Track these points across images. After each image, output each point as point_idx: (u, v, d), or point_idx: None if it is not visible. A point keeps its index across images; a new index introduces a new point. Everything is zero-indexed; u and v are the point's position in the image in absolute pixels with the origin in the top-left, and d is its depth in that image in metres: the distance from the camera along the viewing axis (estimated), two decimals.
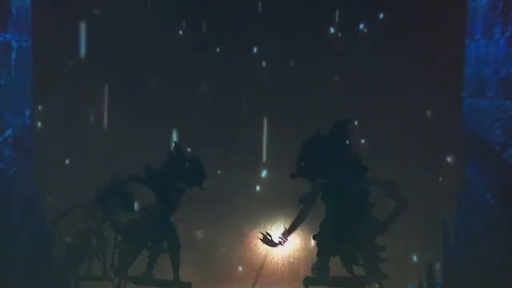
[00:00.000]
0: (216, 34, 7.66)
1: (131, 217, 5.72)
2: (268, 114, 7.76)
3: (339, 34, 7.52)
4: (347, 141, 5.39)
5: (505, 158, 5.00)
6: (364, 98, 7.58)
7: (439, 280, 6.25)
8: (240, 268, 7.71)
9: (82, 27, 7.48)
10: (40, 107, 7.12)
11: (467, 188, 6.26)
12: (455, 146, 7.24)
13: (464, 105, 6.45)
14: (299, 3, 7.57)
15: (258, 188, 7.79)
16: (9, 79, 5.78)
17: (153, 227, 5.63)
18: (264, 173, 7.76)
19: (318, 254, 5.44)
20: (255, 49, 7.66)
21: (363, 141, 6.87)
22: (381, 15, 7.50)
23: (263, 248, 7.59)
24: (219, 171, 7.63)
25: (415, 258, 7.21)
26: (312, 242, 5.48)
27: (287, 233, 5.46)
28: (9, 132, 5.77)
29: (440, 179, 7.42)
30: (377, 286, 5.46)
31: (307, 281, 5.44)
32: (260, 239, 5.51)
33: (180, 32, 7.66)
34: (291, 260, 7.39)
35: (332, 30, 7.57)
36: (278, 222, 7.59)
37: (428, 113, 7.48)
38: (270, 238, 5.49)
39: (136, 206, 5.71)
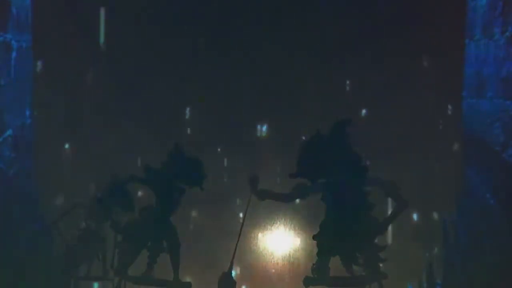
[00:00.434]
0: (217, 35, 7.65)
1: (131, 217, 5.72)
2: (268, 114, 7.76)
3: (339, 34, 7.51)
4: (347, 141, 5.38)
5: (505, 158, 5.00)
6: (364, 98, 7.57)
7: (439, 280, 6.25)
8: (238, 269, 7.70)
9: (82, 27, 7.47)
10: (40, 107, 7.11)
11: (467, 188, 6.26)
12: (455, 146, 7.25)
13: (464, 105, 6.45)
14: (299, 3, 7.58)
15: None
16: (9, 79, 5.78)
17: (153, 227, 5.63)
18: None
19: (318, 254, 5.43)
20: (255, 49, 7.65)
21: (363, 141, 6.86)
22: (381, 15, 7.50)
23: (263, 248, 7.61)
24: (218, 171, 7.62)
25: (415, 257, 7.19)
26: (312, 242, 5.47)
27: (266, 192, 5.45)
28: (9, 132, 5.77)
29: (440, 179, 7.41)
30: (377, 286, 5.46)
31: (307, 281, 5.44)
32: (249, 178, 5.50)
33: (181, 32, 7.65)
34: (291, 260, 7.39)
35: (331, 30, 7.56)
36: (278, 222, 7.59)
37: (428, 113, 7.48)
38: (256, 182, 5.47)
39: (136, 206, 5.71)
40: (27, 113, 6.46)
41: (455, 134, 7.29)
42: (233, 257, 5.51)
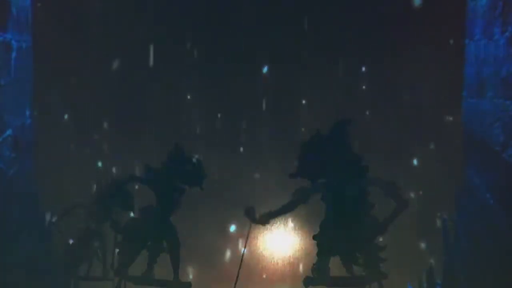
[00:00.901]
0: (217, 35, 7.65)
1: (131, 217, 5.72)
2: (268, 114, 7.76)
3: (338, 34, 7.51)
4: (347, 141, 5.39)
5: (505, 158, 5.00)
6: (364, 98, 7.57)
7: (439, 280, 6.25)
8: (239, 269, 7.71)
9: (82, 27, 7.48)
10: (40, 107, 7.11)
11: (467, 188, 6.26)
12: (455, 146, 7.24)
13: (464, 105, 6.45)
14: (299, 4, 7.58)
15: (257, 188, 7.79)
16: (9, 79, 5.78)
17: (153, 227, 5.63)
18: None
19: (318, 254, 5.44)
20: (255, 49, 7.65)
21: (363, 141, 6.86)
22: (380, 15, 7.49)
23: (263, 248, 7.61)
24: (218, 171, 7.62)
25: (415, 257, 7.20)
26: (312, 242, 5.47)
27: (267, 215, 5.45)
28: (9, 132, 5.77)
29: (440, 179, 7.41)
30: (377, 286, 5.46)
31: (307, 281, 5.44)
32: (244, 210, 5.49)
33: (182, 32, 7.65)
34: (291, 260, 7.39)
35: (331, 30, 7.56)
36: (278, 222, 7.59)
37: (428, 113, 7.48)
38: (253, 213, 5.47)
39: (136, 206, 5.71)
40: (27, 113, 6.47)
41: (455, 134, 7.29)
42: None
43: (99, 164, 7.54)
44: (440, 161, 7.49)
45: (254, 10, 7.56)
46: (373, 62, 7.48)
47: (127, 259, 5.67)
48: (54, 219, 6.31)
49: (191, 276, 7.24)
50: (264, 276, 7.52)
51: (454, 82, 6.72)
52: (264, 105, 7.76)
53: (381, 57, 7.47)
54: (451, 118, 7.23)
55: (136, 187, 5.87)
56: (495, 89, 5.35)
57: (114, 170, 7.38)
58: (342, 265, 5.46)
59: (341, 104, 7.49)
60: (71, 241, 6.20)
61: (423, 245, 7.32)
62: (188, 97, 7.77)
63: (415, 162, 7.53)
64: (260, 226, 5.48)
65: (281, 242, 7.48)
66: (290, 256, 7.38)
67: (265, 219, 5.46)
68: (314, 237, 5.45)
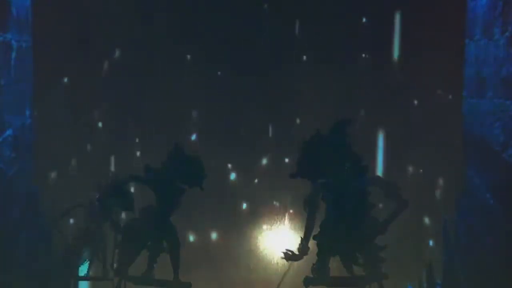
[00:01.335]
0: (217, 33, 7.65)
1: (131, 217, 5.72)
2: (268, 114, 7.76)
3: (338, 34, 7.51)
4: (347, 141, 5.39)
5: (505, 158, 5.00)
6: (363, 98, 7.57)
7: (439, 280, 6.25)
8: (239, 269, 7.71)
9: (82, 27, 7.47)
10: (40, 107, 7.11)
11: (467, 188, 6.26)
12: (455, 146, 7.24)
13: (464, 105, 6.45)
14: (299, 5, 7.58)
15: (257, 188, 7.79)
16: (9, 79, 5.78)
17: (153, 227, 5.62)
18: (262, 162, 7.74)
19: (318, 254, 5.43)
20: (255, 49, 7.65)
21: (363, 140, 6.87)
22: (380, 15, 7.49)
23: (263, 248, 7.61)
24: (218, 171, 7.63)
25: (415, 257, 7.20)
26: (312, 242, 5.47)
27: (304, 241, 5.45)
28: (9, 132, 5.77)
29: (440, 179, 7.42)
30: (377, 286, 5.46)
31: (307, 281, 5.44)
32: (282, 257, 5.50)
33: (182, 32, 7.65)
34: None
35: (331, 29, 7.56)
36: (278, 222, 7.59)
37: (428, 112, 7.48)
38: (291, 253, 5.48)
39: (136, 206, 5.71)
40: (27, 113, 6.47)
41: (455, 134, 7.29)
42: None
43: (100, 164, 7.53)
44: (440, 161, 7.49)
45: (254, 7, 7.57)
46: (373, 62, 7.48)
47: (127, 259, 5.66)
48: (54, 219, 6.30)
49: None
50: (265, 276, 7.52)
51: (454, 82, 6.72)
52: (264, 105, 7.77)
53: (381, 57, 7.47)
54: (451, 118, 7.22)
55: (136, 187, 5.86)
56: (495, 89, 5.35)
57: (114, 170, 7.38)
58: (342, 265, 5.45)
59: (341, 104, 7.49)
60: (71, 241, 6.20)
61: (423, 245, 7.31)
62: (188, 96, 7.77)
63: (415, 162, 7.53)
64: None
65: (281, 242, 7.48)
66: None
67: (305, 250, 5.45)
68: (314, 237, 5.44)
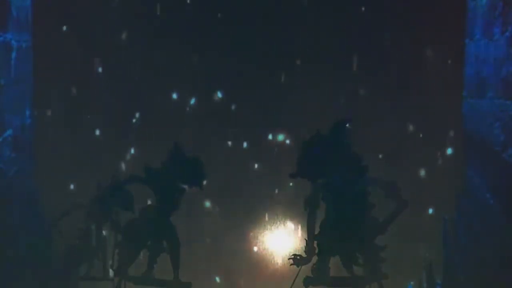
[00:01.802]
0: (216, 35, 7.65)
1: (131, 217, 5.72)
2: (268, 114, 7.76)
3: (337, 34, 7.51)
4: (347, 141, 5.39)
5: (505, 158, 5.00)
6: (363, 98, 7.57)
7: (439, 280, 6.25)
8: (239, 269, 7.71)
9: (82, 27, 7.47)
10: (40, 107, 7.11)
11: (467, 188, 6.26)
12: (455, 146, 7.24)
13: (464, 105, 6.45)
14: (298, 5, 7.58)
15: (257, 187, 7.79)
16: (9, 79, 5.78)
17: (153, 227, 5.63)
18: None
19: (318, 254, 5.44)
20: (255, 49, 7.65)
21: (363, 141, 6.87)
22: (380, 15, 7.49)
23: (263, 248, 7.62)
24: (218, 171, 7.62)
25: (415, 257, 7.20)
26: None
27: (310, 243, 5.45)
28: (9, 132, 5.77)
29: (440, 179, 7.41)
30: (377, 286, 5.46)
31: (307, 281, 5.44)
32: (292, 264, 5.49)
33: (183, 33, 7.65)
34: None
35: (330, 29, 7.56)
36: (278, 222, 7.60)
37: (428, 113, 7.48)
38: (299, 257, 5.47)
39: (136, 206, 5.71)
40: (27, 113, 6.46)
41: (455, 134, 7.30)
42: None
43: (100, 164, 7.53)
44: (440, 161, 7.49)
45: (255, 8, 7.57)
46: (373, 62, 7.48)
47: (127, 259, 5.67)
48: (54, 219, 6.30)
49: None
50: (265, 276, 7.52)
51: (454, 82, 6.72)
52: (264, 105, 7.77)
53: (381, 57, 7.46)
54: (451, 118, 7.22)
55: (136, 187, 5.86)
56: (495, 89, 5.34)
57: (114, 170, 7.38)
58: (342, 265, 5.46)
59: (340, 104, 7.49)
60: (71, 241, 6.20)
61: (423, 245, 7.31)
62: (188, 95, 7.77)
63: (414, 162, 7.53)
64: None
65: (281, 242, 7.49)
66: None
67: (311, 251, 5.45)
68: (314, 237, 5.44)
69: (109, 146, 7.64)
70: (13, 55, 5.87)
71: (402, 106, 7.46)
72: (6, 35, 5.67)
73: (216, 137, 7.73)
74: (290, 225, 7.50)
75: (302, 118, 7.50)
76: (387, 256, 5.43)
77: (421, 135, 7.53)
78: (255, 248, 7.66)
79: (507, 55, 5.05)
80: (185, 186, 5.64)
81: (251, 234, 7.67)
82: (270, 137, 7.74)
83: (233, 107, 7.75)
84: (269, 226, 7.62)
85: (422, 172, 7.53)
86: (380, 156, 7.33)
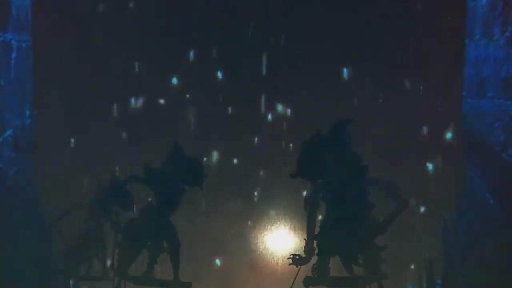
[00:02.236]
0: (216, 35, 7.65)
1: (131, 217, 5.72)
2: (268, 114, 7.76)
3: (337, 34, 7.51)
4: (347, 141, 5.39)
5: (505, 158, 5.00)
6: (363, 98, 7.57)
7: (439, 280, 6.25)
8: (239, 269, 7.71)
9: (82, 27, 7.47)
10: (40, 107, 7.10)
11: (467, 188, 6.26)
12: (455, 146, 7.24)
13: (464, 105, 6.44)
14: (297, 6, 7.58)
15: (257, 188, 7.79)
16: (9, 79, 5.78)
17: (153, 227, 5.63)
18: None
19: (318, 254, 5.43)
20: (255, 50, 7.65)
21: (363, 141, 6.88)
22: (380, 15, 7.49)
23: (263, 248, 7.61)
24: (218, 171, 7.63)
25: (415, 257, 7.20)
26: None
27: (309, 243, 5.44)
28: (9, 132, 5.77)
29: (440, 179, 7.41)
30: (377, 286, 5.46)
31: (307, 281, 5.44)
32: (290, 263, 5.49)
33: (183, 32, 7.65)
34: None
35: (330, 29, 7.56)
36: (278, 222, 7.59)
37: (428, 113, 7.48)
38: (298, 257, 5.47)
39: (136, 206, 5.71)
40: (27, 113, 6.46)
41: (455, 134, 7.29)
42: None
43: (100, 164, 7.52)
44: (439, 161, 7.49)
45: (254, 8, 7.56)
46: (373, 62, 7.47)
47: (127, 259, 5.67)
48: (54, 219, 6.30)
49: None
50: (265, 276, 7.52)
51: (454, 82, 6.71)
52: (263, 104, 7.77)
53: (381, 57, 7.46)
54: (451, 118, 7.22)
55: (136, 187, 5.86)
56: (495, 89, 5.34)
57: (114, 170, 7.38)
58: (342, 265, 5.46)
59: (340, 105, 7.49)
60: (71, 241, 6.20)
61: (423, 245, 7.31)
62: (188, 96, 7.77)
63: (414, 162, 7.53)
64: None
65: (281, 242, 7.48)
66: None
67: (311, 251, 5.44)
68: (314, 237, 5.44)
69: (109, 146, 7.63)
70: (13, 55, 5.87)
71: (402, 106, 7.46)
72: (6, 35, 5.67)
73: (216, 137, 7.74)
74: (290, 225, 7.50)
75: (302, 118, 7.51)
76: (387, 256, 5.43)
77: (421, 135, 7.52)
78: (255, 248, 7.66)
79: (507, 55, 5.05)
80: (185, 186, 5.64)
81: (251, 234, 7.67)
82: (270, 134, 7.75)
83: (232, 108, 7.76)
84: (269, 226, 7.62)
85: (422, 172, 7.53)
86: (380, 156, 7.32)
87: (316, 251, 5.44)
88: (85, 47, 7.49)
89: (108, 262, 6.02)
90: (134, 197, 5.74)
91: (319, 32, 7.49)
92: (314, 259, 5.47)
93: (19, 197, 6.00)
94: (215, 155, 7.68)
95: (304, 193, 5.92)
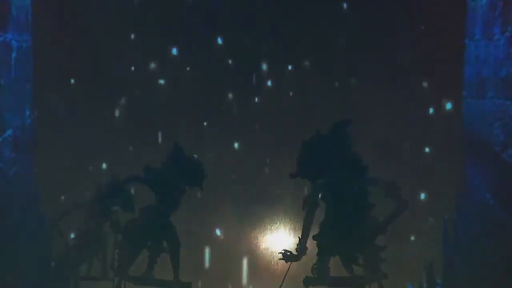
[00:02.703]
0: (216, 36, 7.66)
1: (131, 217, 5.72)
2: (268, 114, 7.76)
3: (337, 33, 7.51)
4: (347, 141, 5.39)
5: (505, 158, 5.00)
6: (364, 98, 7.57)
7: (439, 280, 6.25)
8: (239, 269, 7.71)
9: (82, 26, 7.48)
10: (40, 107, 7.11)
11: (467, 188, 6.26)
12: (455, 146, 7.23)
13: (464, 105, 6.45)
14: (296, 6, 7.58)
15: (257, 188, 7.79)
16: (9, 79, 5.78)
17: (153, 227, 5.63)
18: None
19: (318, 254, 5.44)
20: (255, 49, 7.66)
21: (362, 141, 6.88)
22: (380, 15, 7.49)
23: (263, 248, 7.61)
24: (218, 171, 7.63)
25: (415, 257, 7.20)
26: (312, 242, 5.47)
27: (302, 241, 5.44)
28: (9, 132, 5.77)
29: (440, 179, 7.42)
30: (377, 286, 5.46)
31: (307, 281, 5.44)
32: (281, 258, 5.49)
33: (183, 33, 7.65)
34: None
35: (330, 29, 7.56)
36: (278, 222, 7.59)
37: (428, 113, 7.48)
38: (289, 253, 5.47)
39: (136, 206, 5.71)
40: (27, 113, 6.46)
41: (455, 134, 7.29)
42: None
43: (99, 164, 7.53)
44: (440, 161, 7.49)
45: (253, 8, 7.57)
46: (373, 62, 7.48)
47: (127, 259, 5.67)
48: (54, 219, 6.30)
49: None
50: (265, 276, 7.52)
51: (454, 82, 6.72)
52: (263, 105, 7.77)
53: (381, 57, 7.47)
54: (451, 118, 7.22)
55: (136, 187, 5.86)
56: (495, 89, 5.34)
57: (114, 170, 7.38)
58: (342, 265, 5.46)
59: (341, 104, 7.49)
60: (71, 241, 6.20)
61: (423, 245, 7.31)
62: (187, 96, 7.77)
63: (415, 162, 7.53)
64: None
65: (281, 242, 7.48)
66: None
67: (303, 250, 5.44)
68: (314, 237, 5.44)
69: (110, 146, 7.64)
70: (13, 55, 5.88)
71: (402, 106, 7.46)
72: (6, 35, 5.68)
73: (215, 137, 7.74)
74: (290, 225, 7.50)
75: (302, 119, 7.51)
76: (387, 256, 5.43)
77: (421, 135, 7.53)
78: (255, 248, 7.66)
79: (507, 55, 5.05)
80: (185, 186, 5.65)
81: (251, 234, 7.67)
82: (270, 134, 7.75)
83: (233, 108, 7.77)
84: (269, 226, 7.62)
85: (422, 172, 7.53)
86: (380, 156, 7.32)
87: (316, 251, 5.44)
88: (85, 47, 7.50)
89: (108, 262, 6.02)
90: (134, 197, 5.74)
91: (319, 32, 7.49)
92: (314, 259, 5.47)
93: (19, 198, 6.01)
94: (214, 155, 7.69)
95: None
